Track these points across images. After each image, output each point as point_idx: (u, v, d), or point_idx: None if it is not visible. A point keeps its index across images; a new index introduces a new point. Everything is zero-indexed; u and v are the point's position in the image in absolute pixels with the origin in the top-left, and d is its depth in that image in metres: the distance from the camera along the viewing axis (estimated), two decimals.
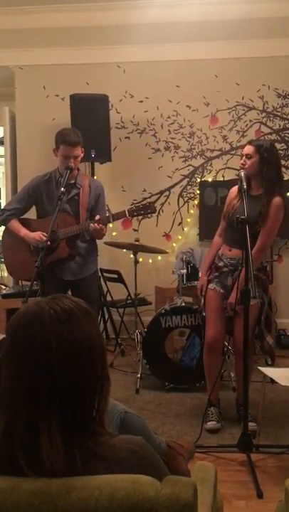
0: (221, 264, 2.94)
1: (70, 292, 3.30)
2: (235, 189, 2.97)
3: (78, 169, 3.31)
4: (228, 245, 2.91)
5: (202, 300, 3.01)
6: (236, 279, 2.71)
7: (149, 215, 3.13)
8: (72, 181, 3.24)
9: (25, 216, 3.42)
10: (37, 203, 3.34)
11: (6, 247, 3.44)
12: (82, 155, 3.23)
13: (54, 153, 3.20)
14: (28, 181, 3.43)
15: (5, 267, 3.66)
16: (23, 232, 3.26)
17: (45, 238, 3.07)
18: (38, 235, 3.20)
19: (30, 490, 0.90)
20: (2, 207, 3.63)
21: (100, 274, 4.60)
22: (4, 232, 3.44)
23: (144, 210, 3.11)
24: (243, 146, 2.95)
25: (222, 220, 3.01)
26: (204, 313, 3.02)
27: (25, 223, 3.35)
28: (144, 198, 5.12)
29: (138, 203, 5.09)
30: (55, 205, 3.10)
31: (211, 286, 2.95)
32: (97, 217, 3.11)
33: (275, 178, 2.80)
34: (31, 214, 3.46)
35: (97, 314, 3.76)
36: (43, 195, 3.29)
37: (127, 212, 3.10)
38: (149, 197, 5.10)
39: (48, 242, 2.96)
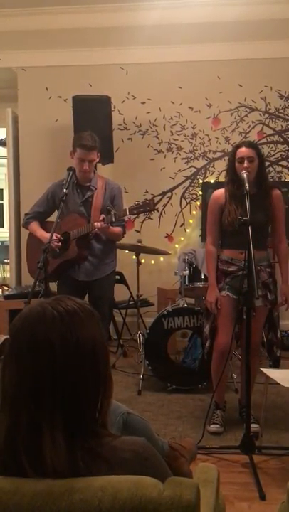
0: (233, 268, 2.87)
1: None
2: (220, 194, 2.94)
3: (94, 171, 3.38)
4: (238, 249, 2.81)
5: (215, 310, 2.91)
6: (264, 278, 2.80)
7: (149, 213, 3.12)
8: (88, 184, 3.31)
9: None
10: (55, 208, 3.40)
11: (28, 248, 3.58)
12: (97, 159, 3.31)
13: (71, 155, 3.26)
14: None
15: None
16: (39, 233, 3.38)
17: (57, 237, 3.19)
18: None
19: (32, 491, 0.90)
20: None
21: None
22: (28, 234, 3.58)
23: (144, 207, 3.13)
24: None
25: (213, 228, 2.95)
26: (215, 322, 2.92)
27: (45, 226, 3.45)
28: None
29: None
30: (70, 206, 3.25)
31: (224, 293, 2.87)
32: (102, 216, 3.14)
33: (267, 177, 2.97)
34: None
35: (109, 316, 3.78)
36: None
37: (127, 211, 3.11)
38: (151, 198, 5.09)
39: (57, 243, 3.14)
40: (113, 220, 3.10)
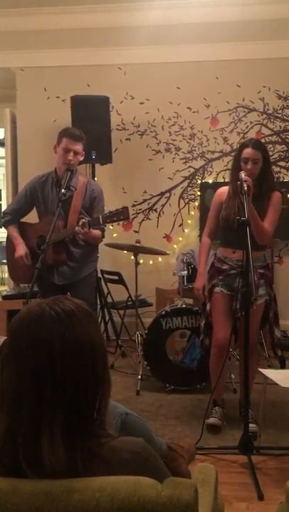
0: (225, 267, 2.90)
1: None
2: (224, 190, 2.96)
3: (76, 170, 3.24)
4: (231, 248, 2.87)
5: (208, 306, 2.96)
6: (257, 277, 2.76)
7: (122, 221, 2.89)
8: (68, 183, 3.14)
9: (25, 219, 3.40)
10: (35, 205, 3.30)
11: (8, 250, 3.42)
12: (82, 157, 3.17)
13: (54, 149, 3.15)
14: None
15: (5, 269, 3.66)
16: (16, 242, 3.26)
17: (27, 261, 3.17)
18: (20, 256, 3.21)
19: (31, 491, 0.90)
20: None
21: (100, 275, 4.61)
22: (7, 237, 3.43)
23: (117, 216, 2.94)
24: None
25: (212, 222, 3.00)
26: (210, 318, 2.95)
27: (23, 227, 3.33)
28: (145, 200, 5.13)
29: (138, 204, 5.12)
30: (49, 206, 3.13)
31: (218, 289, 2.90)
32: (81, 221, 2.96)
33: (272, 178, 2.88)
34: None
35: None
36: (39, 197, 3.24)
37: (101, 219, 2.96)
38: (150, 198, 5.12)
39: (27, 260, 3.07)
40: (87, 228, 2.94)
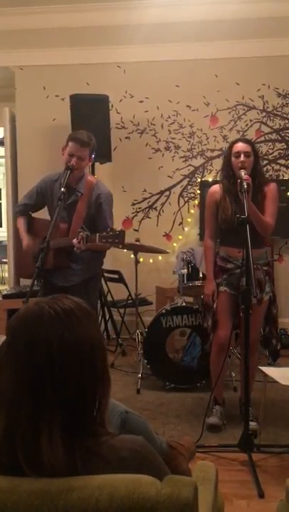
0: (230, 266, 2.91)
1: None
2: (216, 189, 2.98)
3: (84, 174, 3.17)
4: (236, 247, 2.83)
5: (214, 304, 2.95)
6: (259, 276, 2.83)
7: (117, 246, 2.87)
8: (74, 186, 3.09)
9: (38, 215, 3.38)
10: (45, 203, 3.27)
11: (16, 242, 3.42)
12: (89, 162, 3.10)
13: (62, 151, 3.07)
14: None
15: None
16: (22, 234, 3.23)
17: (29, 250, 3.12)
18: (27, 244, 3.19)
19: (30, 490, 0.90)
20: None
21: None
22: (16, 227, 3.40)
23: (113, 238, 2.81)
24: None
25: (211, 222, 3.01)
26: (216, 317, 2.95)
27: (33, 223, 3.31)
28: (145, 198, 5.13)
29: (138, 202, 5.11)
30: (53, 208, 3.03)
31: (222, 288, 2.92)
32: (81, 235, 2.87)
33: (263, 173, 2.97)
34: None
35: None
36: (50, 196, 3.20)
37: (97, 238, 2.81)
38: (150, 197, 5.11)
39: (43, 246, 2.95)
40: (84, 242, 2.84)
